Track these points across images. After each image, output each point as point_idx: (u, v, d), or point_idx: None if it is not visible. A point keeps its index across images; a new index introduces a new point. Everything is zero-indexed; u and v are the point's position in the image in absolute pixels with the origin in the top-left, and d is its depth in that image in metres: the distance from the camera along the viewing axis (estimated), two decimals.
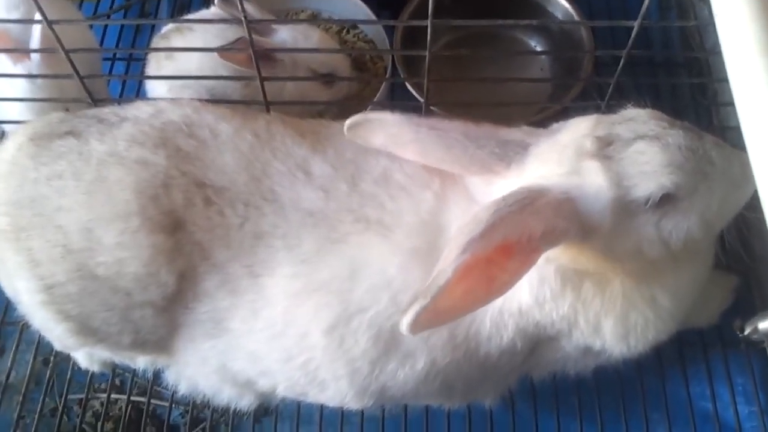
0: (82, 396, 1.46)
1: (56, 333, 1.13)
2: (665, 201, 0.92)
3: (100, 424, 1.44)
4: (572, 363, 1.16)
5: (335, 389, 1.07)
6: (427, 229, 1.03)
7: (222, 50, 1.32)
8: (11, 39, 1.36)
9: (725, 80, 0.70)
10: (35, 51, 1.32)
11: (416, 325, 0.82)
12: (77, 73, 1.21)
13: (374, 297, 1.01)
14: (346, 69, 1.60)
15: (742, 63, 0.68)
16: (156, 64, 1.49)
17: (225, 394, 1.20)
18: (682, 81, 1.79)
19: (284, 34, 1.50)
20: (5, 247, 1.08)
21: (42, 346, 1.43)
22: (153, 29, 1.73)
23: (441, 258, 0.85)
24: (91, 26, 1.67)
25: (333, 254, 1.03)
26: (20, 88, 1.39)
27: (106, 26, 1.84)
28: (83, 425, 1.47)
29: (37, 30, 1.31)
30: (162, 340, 1.12)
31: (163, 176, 1.04)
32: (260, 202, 1.06)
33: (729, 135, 1.41)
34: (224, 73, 1.39)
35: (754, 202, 0.99)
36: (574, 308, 1.00)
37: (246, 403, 1.22)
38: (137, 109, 1.14)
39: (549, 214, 0.89)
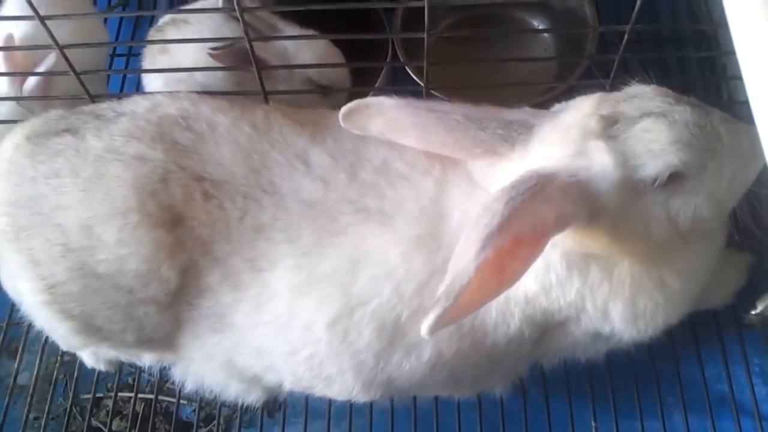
0: (92, 395, 1.46)
1: (60, 333, 1.13)
2: (673, 180, 0.90)
3: (109, 421, 1.44)
4: (582, 349, 1.14)
5: (341, 383, 1.06)
6: (428, 216, 1.01)
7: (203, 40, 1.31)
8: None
9: (734, 53, 0.68)
10: (22, 48, 1.31)
11: (435, 328, 0.80)
12: (73, 69, 1.20)
13: (376, 288, 0.99)
14: (346, 81, 1.51)
15: (749, 34, 0.65)
16: (151, 59, 1.47)
17: (232, 390, 1.19)
18: (690, 55, 1.74)
19: (287, 42, 1.41)
20: (6, 247, 1.08)
21: (49, 346, 1.43)
22: (151, 23, 1.71)
23: (456, 255, 0.84)
24: None
25: (334, 246, 1.02)
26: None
27: (105, 22, 1.82)
28: (97, 423, 1.47)
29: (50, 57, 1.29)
30: (167, 337, 1.11)
31: (162, 171, 1.03)
32: (260, 195, 1.04)
33: (739, 109, 1.37)
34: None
35: (766, 177, 0.96)
36: (581, 294, 0.98)
37: (254, 398, 1.21)
38: (134, 104, 1.12)
39: (559, 199, 0.87)
